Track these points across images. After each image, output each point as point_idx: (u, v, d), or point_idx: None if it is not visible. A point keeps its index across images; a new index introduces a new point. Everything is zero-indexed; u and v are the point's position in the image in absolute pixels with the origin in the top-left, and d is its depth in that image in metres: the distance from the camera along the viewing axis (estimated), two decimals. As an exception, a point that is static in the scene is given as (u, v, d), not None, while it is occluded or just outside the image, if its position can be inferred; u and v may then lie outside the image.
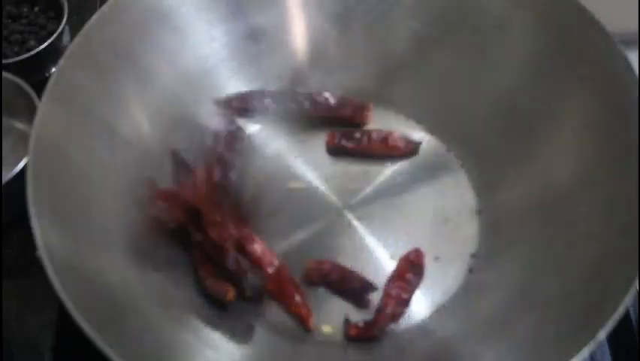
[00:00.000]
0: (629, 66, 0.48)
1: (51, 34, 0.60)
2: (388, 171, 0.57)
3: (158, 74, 0.54)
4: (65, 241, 0.42)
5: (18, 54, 0.60)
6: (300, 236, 0.53)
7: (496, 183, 0.54)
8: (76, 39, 0.49)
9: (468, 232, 0.53)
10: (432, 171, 0.56)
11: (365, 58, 0.59)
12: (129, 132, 0.51)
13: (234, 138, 0.55)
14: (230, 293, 0.47)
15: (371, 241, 0.53)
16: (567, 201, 0.49)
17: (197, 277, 0.49)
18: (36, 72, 0.60)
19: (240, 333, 0.48)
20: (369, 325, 0.48)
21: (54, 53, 0.60)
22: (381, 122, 0.58)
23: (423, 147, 0.57)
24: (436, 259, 0.52)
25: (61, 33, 0.61)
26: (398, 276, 0.50)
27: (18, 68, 0.57)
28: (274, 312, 0.49)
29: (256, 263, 0.49)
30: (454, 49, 0.57)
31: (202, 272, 0.49)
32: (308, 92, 0.58)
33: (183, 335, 0.45)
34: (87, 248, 0.44)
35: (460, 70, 0.57)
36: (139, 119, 0.52)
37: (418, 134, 0.58)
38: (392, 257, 0.52)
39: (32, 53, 0.59)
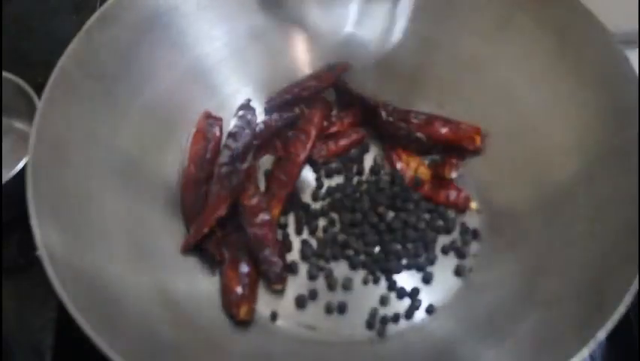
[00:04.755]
0: (629, 66, 0.48)
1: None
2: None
3: (158, 74, 0.54)
4: (65, 241, 0.42)
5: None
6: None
7: (496, 183, 0.54)
8: (76, 39, 0.49)
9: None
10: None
11: (365, 57, 0.59)
12: (129, 132, 0.51)
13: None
14: (243, 310, 0.48)
15: (371, 241, 0.53)
16: (567, 201, 0.49)
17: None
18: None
19: (240, 333, 0.48)
20: None
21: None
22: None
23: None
24: (436, 258, 0.52)
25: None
26: None
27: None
28: (274, 312, 0.49)
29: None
30: (454, 49, 0.57)
31: (225, 281, 0.49)
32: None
33: (183, 334, 0.45)
34: (87, 248, 0.44)
35: (459, 70, 0.57)
36: (139, 119, 0.52)
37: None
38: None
39: None
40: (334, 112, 0.59)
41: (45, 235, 0.41)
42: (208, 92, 0.57)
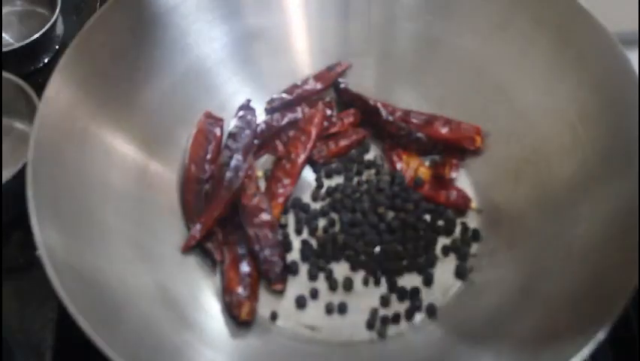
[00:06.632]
0: (629, 66, 0.48)
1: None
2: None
3: (158, 74, 0.54)
4: (65, 241, 0.42)
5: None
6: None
7: (496, 183, 0.54)
8: (76, 39, 0.49)
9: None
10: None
11: (365, 58, 0.59)
12: (129, 132, 0.51)
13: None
14: (245, 310, 0.47)
15: (371, 241, 0.53)
16: (567, 201, 0.49)
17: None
18: (29, 62, 0.62)
19: (240, 333, 0.48)
20: None
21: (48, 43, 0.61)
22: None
23: (423, 147, 0.57)
24: (437, 258, 0.52)
25: (55, 22, 0.61)
26: None
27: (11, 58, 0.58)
28: (274, 312, 0.49)
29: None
30: (455, 49, 0.57)
31: (226, 281, 0.49)
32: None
33: (183, 334, 0.45)
34: (87, 248, 0.44)
35: (459, 70, 0.57)
36: (139, 119, 0.52)
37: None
38: (392, 257, 0.52)
39: (27, 41, 0.59)
40: (334, 112, 0.59)
41: (45, 235, 0.41)
42: (208, 93, 0.57)
